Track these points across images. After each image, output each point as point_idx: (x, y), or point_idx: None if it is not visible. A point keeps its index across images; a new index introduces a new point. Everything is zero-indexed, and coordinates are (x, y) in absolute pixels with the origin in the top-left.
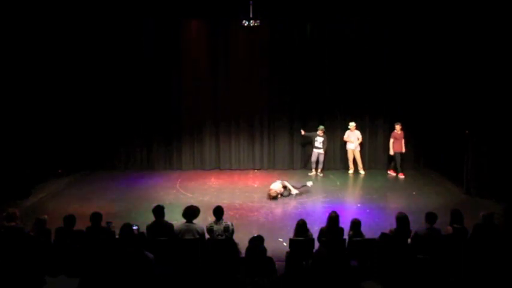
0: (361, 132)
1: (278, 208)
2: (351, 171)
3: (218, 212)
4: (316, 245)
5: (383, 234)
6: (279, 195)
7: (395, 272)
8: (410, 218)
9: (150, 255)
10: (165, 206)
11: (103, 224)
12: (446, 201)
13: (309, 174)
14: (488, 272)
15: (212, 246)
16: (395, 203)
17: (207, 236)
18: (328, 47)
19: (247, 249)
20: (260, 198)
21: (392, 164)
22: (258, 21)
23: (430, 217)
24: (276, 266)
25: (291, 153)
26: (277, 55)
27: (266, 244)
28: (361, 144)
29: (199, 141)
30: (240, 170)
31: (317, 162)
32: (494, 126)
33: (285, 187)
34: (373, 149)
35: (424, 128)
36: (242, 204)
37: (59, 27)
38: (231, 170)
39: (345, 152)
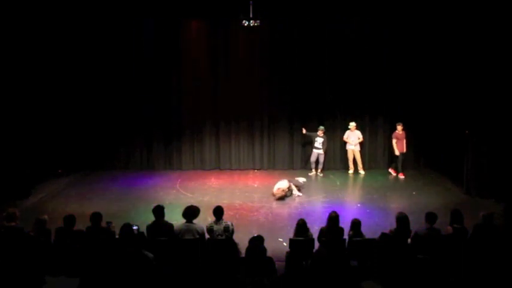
0: (361, 132)
1: (278, 208)
2: (351, 171)
3: (218, 212)
4: (316, 245)
5: (383, 234)
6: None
7: (395, 272)
8: (410, 218)
9: (150, 255)
10: (165, 206)
11: (103, 224)
12: (446, 201)
13: (309, 174)
14: (488, 272)
15: (212, 246)
16: (395, 203)
17: (207, 236)
18: (328, 47)
19: (247, 249)
20: (260, 198)
21: (394, 163)
22: (258, 21)
23: (430, 217)
24: (276, 266)
25: (291, 153)
26: (277, 55)
27: (266, 244)
28: (361, 144)
29: (199, 141)
30: (240, 170)
31: (317, 162)
32: (494, 126)
33: (289, 187)
34: (373, 149)
35: (424, 128)
36: (242, 204)
37: (59, 27)
38: (231, 170)
39: (345, 152)
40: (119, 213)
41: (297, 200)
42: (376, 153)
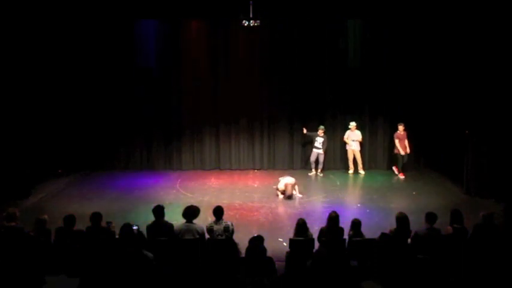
0: (361, 132)
1: (278, 208)
2: (351, 171)
3: (218, 212)
4: (316, 245)
5: (383, 234)
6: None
7: (395, 272)
8: (410, 218)
9: (150, 255)
10: (165, 206)
11: (103, 224)
12: (446, 201)
13: (309, 174)
14: (488, 272)
15: (212, 246)
16: (395, 203)
17: (207, 236)
18: (328, 47)
19: (247, 249)
20: (260, 198)
21: (400, 165)
22: (258, 21)
23: (430, 217)
24: (276, 266)
25: (291, 153)
26: (277, 55)
27: (266, 244)
28: (361, 144)
29: (199, 141)
30: (240, 170)
31: (317, 162)
32: (494, 126)
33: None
34: (373, 149)
35: (424, 128)
36: (242, 204)
37: (59, 27)
38: (231, 170)
39: (345, 152)
40: (119, 213)
41: (297, 200)
42: (376, 153)
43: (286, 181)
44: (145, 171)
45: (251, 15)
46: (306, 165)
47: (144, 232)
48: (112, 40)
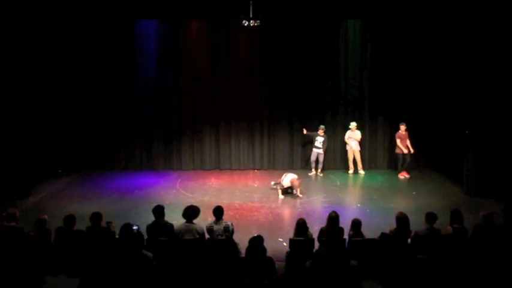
0: (361, 132)
1: (278, 208)
2: (350, 171)
3: (218, 212)
4: (316, 245)
5: (383, 234)
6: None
7: (395, 272)
8: (410, 218)
9: (150, 255)
10: (165, 206)
11: (103, 224)
12: (446, 201)
13: (309, 174)
14: (488, 272)
15: (212, 246)
16: (395, 203)
17: (207, 236)
18: (328, 47)
19: (247, 249)
20: (260, 198)
21: (400, 164)
22: (258, 21)
23: (430, 217)
24: (276, 266)
25: (291, 153)
26: (278, 55)
27: (266, 244)
28: (360, 144)
29: (199, 141)
30: (240, 170)
31: (317, 162)
32: (494, 126)
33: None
34: (373, 149)
35: (424, 128)
36: (242, 204)
37: (59, 28)
38: (231, 170)
39: (345, 152)
40: (119, 213)
41: (297, 200)
42: (376, 153)
43: (291, 177)
44: (145, 171)
45: (251, 15)
46: (306, 165)
47: (144, 232)
48: (112, 40)
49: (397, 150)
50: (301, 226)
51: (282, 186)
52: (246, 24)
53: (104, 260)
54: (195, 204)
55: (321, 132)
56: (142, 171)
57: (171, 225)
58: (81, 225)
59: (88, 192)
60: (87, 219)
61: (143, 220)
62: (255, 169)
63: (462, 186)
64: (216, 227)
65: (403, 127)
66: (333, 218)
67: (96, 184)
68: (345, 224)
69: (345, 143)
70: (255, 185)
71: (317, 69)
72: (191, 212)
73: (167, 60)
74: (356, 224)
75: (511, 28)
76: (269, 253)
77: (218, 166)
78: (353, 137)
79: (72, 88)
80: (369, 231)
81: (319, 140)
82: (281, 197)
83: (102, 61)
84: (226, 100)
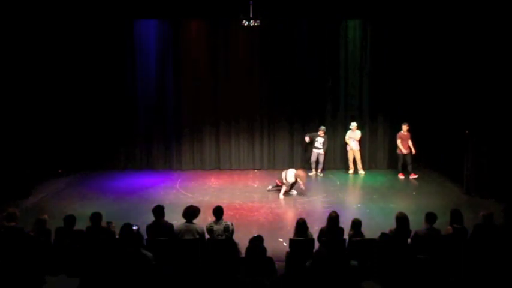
0: (361, 132)
1: (278, 208)
2: (350, 171)
3: (218, 212)
4: (316, 245)
5: (383, 234)
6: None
7: (395, 272)
8: (410, 218)
9: (149, 254)
10: (165, 206)
11: (103, 224)
12: (446, 201)
13: (309, 174)
14: (488, 272)
15: (212, 246)
16: (395, 203)
17: (207, 236)
18: (328, 47)
19: (247, 249)
20: (260, 198)
21: (400, 164)
22: (258, 21)
23: (430, 217)
24: (276, 266)
25: (291, 153)
26: (277, 55)
27: (266, 244)
28: (360, 144)
29: (199, 141)
30: (240, 170)
31: (317, 162)
32: (494, 126)
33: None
34: (373, 149)
35: (424, 128)
36: (242, 204)
37: (59, 27)
38: (231, 170)
39: (345, 152)
40: (119, 213)
41: (297, 200)
42: (376, 153)
43: (294, 171)
44: (145, 171)
45: (251, 15)
46: (306, 165)
47: (144, 232)
48: (112, 40)
49: (398, 151)
50: (301, 226)
51: (288, 183)
52: (246, 24)
53: (104, 260)
54: (195, 204)
55: (321, 133)
56: (142, 171)
57: (171, 225)
58: (81, 225)
59: (88, 192)
60: (87, 219)
61: (143, 220)
62: (255, 169)
63: (462, 186)
64: (216, 227)
65: (405, 127)
66: (333, 218)
67: (96, 184)
68: (345, 224)
69: (345, 143)
70: (255, 185)
71: (317, 69)
72: (191, 212)
73: (167, 60)
74: (356, 224)
75: (511, 28)
76: (269, 253)
77: (218, 166)
78: (353, 137)
79: (72, 88)
80: (369, 231)
81: (320, 141)
82: (281, 196)
83: (102, 61)
84: (226, 100)
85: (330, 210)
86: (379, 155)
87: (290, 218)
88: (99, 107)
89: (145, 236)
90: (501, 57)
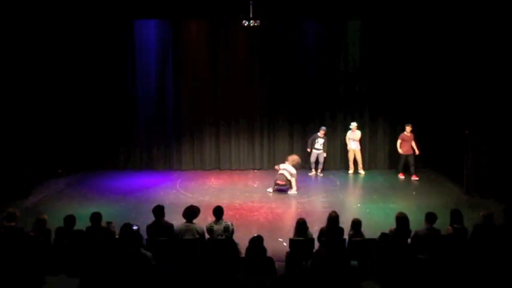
0: (361, 132)
1: (278, 208)
2: (351, 171)
3: (218, 212)
4: (316, 245)
5: (383, 234)
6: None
7: (395, 272)
8: (410, 218)
9: (149, 254)
10: (165, 206)
11: (103, 224)
12: (446, 201)
13: (309, 174)
14: (488, 272)
15: (212, 246)
16: (395, 203)
17: (207, 236)
18: (328, 47)
19: (247, 249)
20: (260, 198)
21: (400, 164)
22: (258, 21)
23: (430, 217)
24: (276, 266)
25: (291, 153)
26: (277, 55)
27: (266, 244)
28: (360, 144)
29: (199, 141)
30: (240, 170)
31: (316, 162)
32: (494, 126)
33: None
34: (373, 149)
35: (424, 128)
36: (242, 204)
37: (59, 27)
38: (231, 170)
39: (345, 152)
40: (119, 213)
41: (297, 200)
42: (376, 154)
43: (288, 164)
44: (145, 171)
45: (251, 15)
46: (306, 165)
47: (144, 232)
48: (112, 40)
49: (399, 151)
50: (301, 226)
51: (294, 174)
52: (246, 24)
53: (104, 260)
54: (195, 204)
55: (321, 133)
56: (142, 171)
57: (171, 225)
58: (81, 225)
59: (88, 192)
60: (87, 219)
61: (143, 220)
62: (255, 169)
63: (462, 186)
64: (216, 227)
65: (408, 128)
66: (333, 218)
67: (96, 184)
68: (345, 224)
69: (346, 144)
70: (255, 185)
71: (317, 69)
72: (191, 212)
73: (167, 60)
74: (356, 224)
75: (511, 28)
76: (269, 253)
77: (218, 166)
78: (352, 137)
79: (71, 88)
80: (369, 231)
81: (320, 142)
82: (295, 192)
83: (103, 61)
84: (226, 100)
85: (330, 210)
86: (379, 155)
87: (290, 218)
88: (99, 107)
89: (145, 236)
90: (501, 57)
